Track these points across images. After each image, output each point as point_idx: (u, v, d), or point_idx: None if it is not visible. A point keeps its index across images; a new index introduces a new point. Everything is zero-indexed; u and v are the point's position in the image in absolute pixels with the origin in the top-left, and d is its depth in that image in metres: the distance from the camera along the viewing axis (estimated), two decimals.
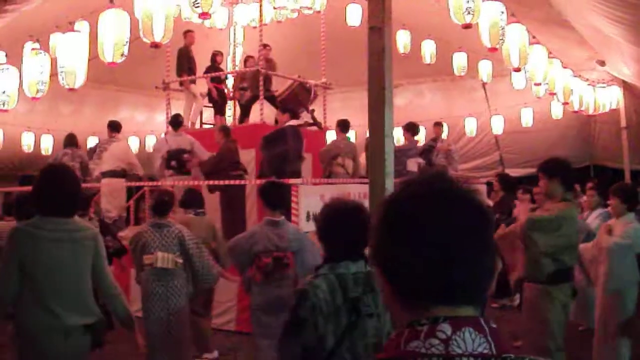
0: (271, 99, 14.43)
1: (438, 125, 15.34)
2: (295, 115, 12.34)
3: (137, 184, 14.09)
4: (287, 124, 11.84)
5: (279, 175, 10.68)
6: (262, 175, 11.13)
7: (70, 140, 13.95)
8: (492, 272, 1.52)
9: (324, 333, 3.78)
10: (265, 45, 14.58)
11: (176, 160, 12.46)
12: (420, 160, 13.37)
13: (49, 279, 4.60)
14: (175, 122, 12.95)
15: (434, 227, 1.46)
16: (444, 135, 16.12)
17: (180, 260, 7.44)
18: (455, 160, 14.92)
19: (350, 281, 3.84)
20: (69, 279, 4.64)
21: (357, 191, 10.29)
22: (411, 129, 13.79)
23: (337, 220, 3.98)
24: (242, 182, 11.44)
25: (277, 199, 6.89)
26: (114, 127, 13.68)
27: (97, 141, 15.87)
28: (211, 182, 11.52)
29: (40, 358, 4.64)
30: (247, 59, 16.13)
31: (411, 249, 1.46)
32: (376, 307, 3.83)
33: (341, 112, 16.25)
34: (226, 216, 11.43)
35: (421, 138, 16.77)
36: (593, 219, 9.33)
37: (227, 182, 11.34)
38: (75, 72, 8.48)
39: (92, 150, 14.21)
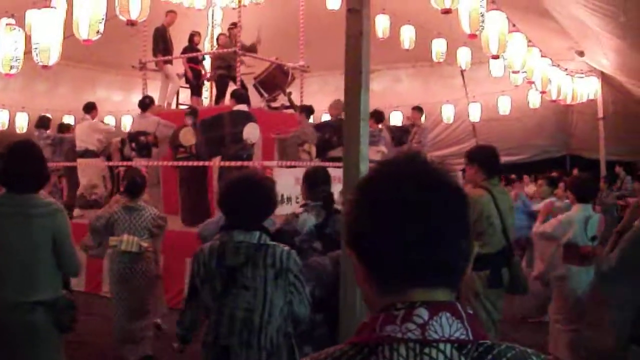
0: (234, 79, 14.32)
1: (416, 109, 15.28)
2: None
3: (111, 163, 14.01)
4: (235, 108, 11.75)
5: (225, 158, 10.91)
6: (200, 157, 11.44)
7: (41, 122, 14.11)
8: (468, 254, 1.49)
9: (203, 295, 4.00)
10: (235, 24, 14.44)
11: (135, 143, 12.43)
12: (383, 148, 13.29)
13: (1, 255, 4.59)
14: (142, 103, 12.87)
15: (410, 208, 1.42)
16: (422, 121, 16.08)
17: (146, 244, 7.46)
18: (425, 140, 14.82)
19: (230, 249, 3.92)
20: (17, 254, 4.54)
21: (332, 174, 10.23)
22: (374, 115, 13.71)
23: (230, 192, 4.12)
24: (192, 163, 11.50)
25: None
26: (86, 108, 13.61)
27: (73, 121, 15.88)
28: (178, 164, 11.56)
29: None
30: (219, 37, 16.05)
31: (387, 230, 1.43)
32: (253, 281, 3.85)
33: (318, 95, 16.27)
34: (183, 198, 11.52)
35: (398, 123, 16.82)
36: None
37: (181, 163, 11.53)
38: (49, 49, 8.38)
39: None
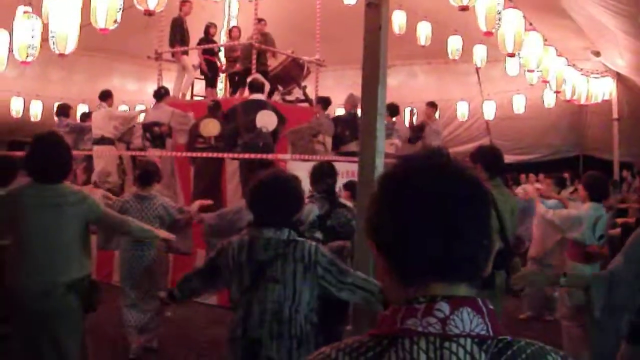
0: (264, 73, 14.34)
1: (430, 105, 15.25)
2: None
3: (126, 152, 14.07)
4: (250, 97, 11.77)
5: (241, 148, 10.99)
6: (219, 149, 11.44)
7: (61, 110, 14.10)
8: (489, 250, 1.49)
9: (230, 286, 4.13)
10: (260, 20, 14.45)
11: (149, 133, 12.45)
12: (397, 141, 13.26)
13: (31, 242, 4.78)
14: (157, 94, 12.89)
15: (432, 203, 1.43)
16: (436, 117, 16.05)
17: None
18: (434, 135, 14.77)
19: (260, 245, 4.03)
20: (49, 242, 4.75)
21: (345, 169, 10.25)
22: (389, 109, 13.68)
23: (258, 190, 4.19)
24: (212, 154, 11.50)
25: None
26: (102, 96, 13.63)
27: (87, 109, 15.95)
28: (191, 155, 11.59)
29: (24, 317, 4.77)
30: (231, 30, 16.03)
31: (409, 225, 1.44)
32: (282, 275, 3.95)
33: (333, 89, 16.23)
34: (197, 188, 11.52)
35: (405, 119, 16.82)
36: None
37: (200, 154, 11.50)
38: (66, 37, 8.37)
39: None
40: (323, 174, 6.50)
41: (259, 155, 10.07)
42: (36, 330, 4.72)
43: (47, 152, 4.85)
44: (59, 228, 4.75)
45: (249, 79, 12.56)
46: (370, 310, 4.27)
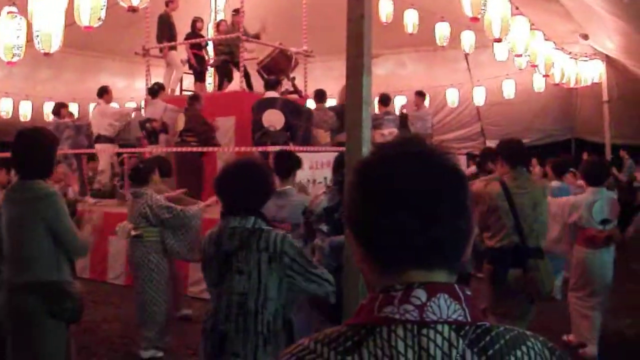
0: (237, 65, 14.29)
1: (419, 94, 15.27)
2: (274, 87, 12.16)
3: (123, 150, 14.12)
4: (265, 95, 11.78)
5: (256, 144, 11.02)
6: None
7: (55, 110, 14.20)
8: (467, 235, 1.48)
9: (205, 278, 4.16)
10: (237, 11, 14.39)
11: (144, 129, 12.46)
12: (388, 131, 13.24)
13: (3, 239, 4.85)
14: (151, 90, 12.91)
15: (408, 188, 1.42)
16: (426, 105, 16.04)
17: (137, 232, 7.46)
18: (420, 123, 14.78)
19: (225, 235, 3.97)
20: (12, 240, 4.77)
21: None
22: (381, 99, 13.70)
23: (224, 178, 4.13)
24: (197, 149, 11.57)
25: (281, 168, 6.79)
26: (98, 92, 13.66)
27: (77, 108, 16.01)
28: (184, 149, 11.57)
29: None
30: (219, 24, 16.02)
31: (385, 211, 1.42)
32: (247, 265, 3.86)
33: (322, 80, 16.21)
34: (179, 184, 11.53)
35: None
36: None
37: (187, 149, 11.57)
38: (51, 36, 8.36)
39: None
40: (338, 165, 6.40)
41: (261, 148, 10.06)
42: (2, 331, 4.72)
43: (23, 148, 4.86)
44: (21, 226, 4.72)
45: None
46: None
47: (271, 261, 3.84)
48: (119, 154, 14.63)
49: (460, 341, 1.34)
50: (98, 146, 13.36)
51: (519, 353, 1.37)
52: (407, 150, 1.50)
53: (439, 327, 1.34)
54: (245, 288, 3.84)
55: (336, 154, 6.80)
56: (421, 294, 1.37)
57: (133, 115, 14.15)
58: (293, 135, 11.39)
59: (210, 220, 8.40)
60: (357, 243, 1.50)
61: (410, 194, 1.42)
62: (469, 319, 1.37)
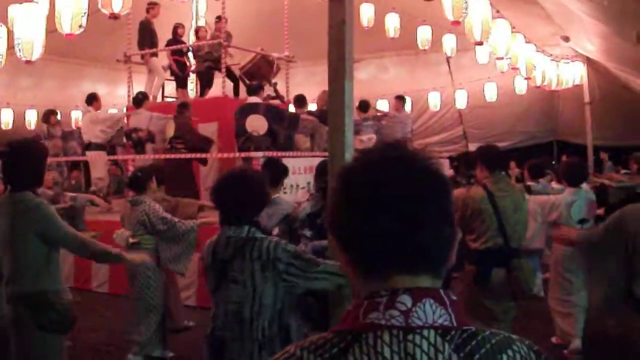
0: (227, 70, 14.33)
1: (398, 99, 15.30)
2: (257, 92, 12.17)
3: (117, 157, 14.16)
4: (247, 101, 11.79)
5: (240, 149, 11.05)
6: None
7: (44, 117, 14.36)
8: (451, 240, 1.49)
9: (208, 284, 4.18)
10: (220, 18, 14.41)
11: (130, 140, 12.46)
12: (367, 137, 13.27)
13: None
14: (135, 100, 12.92)
15: (391, 194, 1.43)
16: (407, 109, 16.05)
17: (134, 240, 7.42)
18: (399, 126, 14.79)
19: (221, 244, 4.03)
20: (3, 251, 4.80)
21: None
22: (360, 105, 13.74)
23: (219, 188, 4.17)
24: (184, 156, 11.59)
25: (271, 176, 6.75)
26: (87, 100, 13.69)
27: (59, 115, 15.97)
28: (170, 156, 11.57)
29: None
30: (198, 30, 16.01)
31: (368, 217, 1.43)
32: (241, 274, 3.90)
33: (304, 86, 16.22)
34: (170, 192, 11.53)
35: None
36: None
37: (176, 156, 11.58)
38: (32, 44, 8.33)
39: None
40: (321, 172, 6.41)
41: (240, 154, 10.05)
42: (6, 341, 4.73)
43: (13, 160, 4.89)
44: (11, 238, 4.74)
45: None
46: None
47: (264, 269, 3.86)
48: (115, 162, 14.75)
49: (447, 346, 1.34)
50: (90, 154, 13.35)
51: (505, 357, 1.38)
52: (390, 156, 1.50)
53: (425, 332, 1.35)
54: (240, 297, 3.89)
55: (320, 159, 6.83)
56: (406, 300, 1.38)
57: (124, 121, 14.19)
58: (274, 141, 11.38)
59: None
60: (341, 248, 1.50)
61: (394, 199, 1.42)
62: (455, 324, 1.38)
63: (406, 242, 1.41)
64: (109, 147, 14.04)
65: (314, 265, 3.94)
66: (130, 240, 7.41)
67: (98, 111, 13.76)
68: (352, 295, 3.36)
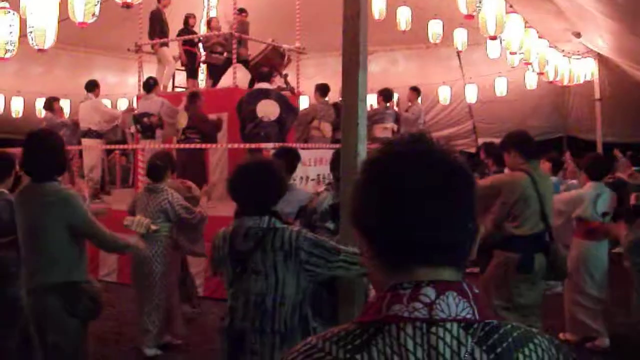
0: (244, 62, 14.34)
1: (413, 90, 15.30)
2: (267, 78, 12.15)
3: (111, 147, 14.12)
4: (257, 86, 11.80)
5: (243, 139, 11.11)
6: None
7: (46, 104, 14.22)
8: (474, 233, 1.50)
9: (221, 275, 4.14)
10: (241, 11, 14.44)
11: (139, 124, 12.41)
12: (390, 125, 13.28)
13: (21, 242, 4.88)
14: (146, 85, 12.83)
15: (417, 187, 1.43)
16: (419, 101, 16.04)
17: (155, 227, 7.40)
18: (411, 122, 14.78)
19: (240, 235, 3.95)
20: (34, 242, 4.77)
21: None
22: (382, 94, 13.73)
23: (237, 179, 4.11)
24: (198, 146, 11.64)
25: (286, 163, 6.73)
26: (88, 86, 13.61)
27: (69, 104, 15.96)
28: (179, 146, 11.57)
29: (18, 317, 4.97)
30: (210, 21, 16.00)
31: (395, 209, 1.43)
32: (263, 265, 3.85)
33: (315, 77, 16.24)
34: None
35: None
36: None
37: (188, 146, 11.62)
38: (45, 32, 8.33)
39: None
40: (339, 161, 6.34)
41: (255, 145, 10.08)
42: (27, 330, 4.78)
43: (36, 150, 4.86)
44: (42, 229, 4.73)
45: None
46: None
47: (287, 259, 3.82)
48: (109, 151, 14.68)
49: (469, 339, 1.35)
50: (87, 141, 13.32)
51: (526, 350, 1.38)
52: (417, 149, 1.50)
53: (448, 325, 1.35)
54: (263, 288, 3.83)
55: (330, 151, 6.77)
56: (430, 292, 1.38)
57: (120, 120, 14.20)
58: (281, 129, 11.36)
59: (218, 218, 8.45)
60: (365, 241, 1.51)
61: (420, 192, 1.42)
62: (477, 317, 1.38)
63: (432, 236, 1.41)
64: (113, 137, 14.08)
65: (335, 254, 3.86)
66: (153, 227, 7.42)
67: (98, 99, 13.77)
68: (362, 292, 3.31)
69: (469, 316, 1.37)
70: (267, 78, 12.00)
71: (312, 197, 6.27)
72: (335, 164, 6.18)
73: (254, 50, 15.04)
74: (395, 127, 13.37)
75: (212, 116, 12.29)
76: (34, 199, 4.77)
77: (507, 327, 1.40)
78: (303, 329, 3.95)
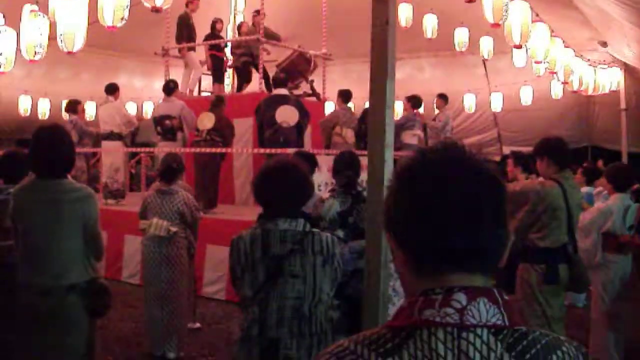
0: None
1: (441, 97, 15.34)
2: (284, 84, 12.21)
3: (134, 149, 14.18)
4: (274, 92, 11.87)
5: (262, 144, 11.25)
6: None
7: (70, 107, 14.19)
8: (506, 241, 1.52)
9: (242, 283, 3.94)
10: (258, 12, 14.46)
11: (160, 126, 12.46)
12: (419, 132, 13.32)
13: (31, 239, 4.70)
14: (167, 88, 12.87)
15: (452, 194, 1.45)
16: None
17: (175, 229, 7.44)
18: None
19: (275, 238, 3.88)
20: (50, 240, 4.66)
21: None
22: (412, 100, 13.76)
23: (266, 182, 4.05)
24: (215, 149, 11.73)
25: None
26: (108, 89, 13.64)
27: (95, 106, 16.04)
28: (202, 150, 11.64)
29: (26, 317, 4.69)
30: (240, 25, 16.08)
31: (430, 216, 1.46)
32: (302, 269, 3.82)
33: (341, 83, 16.21)
34: (197, 183, 11.58)
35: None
36: None
37: (207, 150, 11.68)
38: (74, 35, 8.40)
39: None
40: (343, 165, 6.28)
41: (275, 150, 10.10)
42: (37, 330, 4.63)
43: (47, 145, 4.73)
44: (59, 226, 4.66)
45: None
46: None
47: (325, 264, 3.84)
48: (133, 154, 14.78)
49: (499, 345, 1.37)
50: (109, 143, 13.40)
51: (554, 357, 1.41)
52: (452, 157, 1.53)
53: (479, 331, 1.38)
54: (301, 292, 3.81)
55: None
56: (461, 298, 1.40)
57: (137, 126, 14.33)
58: (299, 134, 11.39)
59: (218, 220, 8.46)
60: (397, 247, 1.53)
61: (455, 199, 1.45)
62: (507, 323, 1.40)
63: (465, 242, 1.44)
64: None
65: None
66: (172, 229, 7.45)
67: (120, 102, 13.87)
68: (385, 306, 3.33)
69: (499, 322, 1.39)
70: (285, 83, 12.05)
71: (315, 204, 6.16)
72: (341, 168, 6.14)
73: (278, 55, 15.09)
74: (422, 134, 13.39)
75: (240, 123, 12.37)
76: (47, 195, 4.67)
77: (535, 334, 1.42)
78: (332, 331, 3.95)
